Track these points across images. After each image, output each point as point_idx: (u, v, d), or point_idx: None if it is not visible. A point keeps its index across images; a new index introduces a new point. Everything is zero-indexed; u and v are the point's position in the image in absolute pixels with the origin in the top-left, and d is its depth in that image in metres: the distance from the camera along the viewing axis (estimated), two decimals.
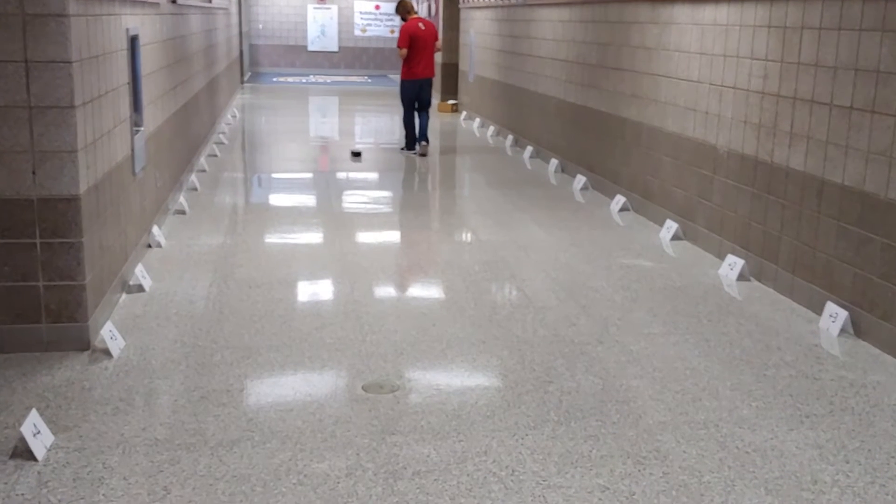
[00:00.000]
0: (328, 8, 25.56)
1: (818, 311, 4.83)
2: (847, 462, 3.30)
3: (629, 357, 4.25)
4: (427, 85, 10.95)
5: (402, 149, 11.14)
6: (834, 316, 4.65)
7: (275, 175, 9.75)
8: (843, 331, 4.59)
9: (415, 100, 10.88)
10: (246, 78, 21.57)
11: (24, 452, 3.17)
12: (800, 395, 3.87)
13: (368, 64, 25.72)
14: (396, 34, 24.30)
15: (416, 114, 10.95)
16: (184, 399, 3.69)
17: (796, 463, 3.28)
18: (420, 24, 10.81)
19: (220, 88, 13.07)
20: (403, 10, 10.92)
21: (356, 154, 10.64)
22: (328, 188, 8.82)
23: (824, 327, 4.69)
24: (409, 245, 6.78)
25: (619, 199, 7.63)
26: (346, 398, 3.75)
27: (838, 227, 4.74)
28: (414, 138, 10.97)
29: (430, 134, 12.39)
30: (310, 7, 25.52)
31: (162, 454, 3.22)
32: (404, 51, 10.70)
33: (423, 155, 10.81)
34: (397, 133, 12.89)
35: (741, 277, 5.53)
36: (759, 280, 5.48)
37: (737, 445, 3.40)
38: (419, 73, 10.84)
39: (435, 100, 17.01)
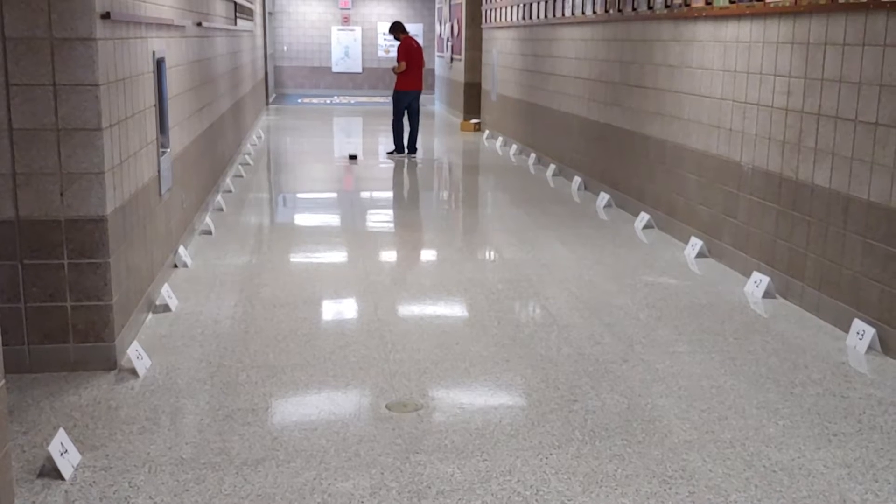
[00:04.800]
0: (352, 30, 25.76)
1: (845, 328, 4.79)
2: (876, 481, 3.25)
3: (654, 376, 4.23)
4: (418, 96, 12.44)
5: (390, 153, 12.29)
6: (861, 333, 4.61)
7: (299, 195, 9.81)
8: (870, 348, 4.55)
9: (406, 109, 12.27)
10: (271, 99, 21.76)
11: (51, 471, 3.20)
12: (827, 413, 3.83)
13: (392, 84, 25.84)
14: None
15: (405, 121, 12.32)
16: (209, 418, 3.71)
17: (824, 482, 3.24)
18: (413, 43, 12.33)
19: (246, 110, 13.19)
20: (398, 30, 12.40)
21: (352, 157, 11.96)
22: (352, 207, 8.86)
23: (851, 345, 4.64)
24: (432, 263, 6.79)
25: (643, 217, 7.60)
26: (369, 417, 3.75)
27: (864, 244, 4.70)
28: (402, 143, 12.26)
29: (453, 153, 12.76)
30: (334, 29, 25.74)
31: (187, 473, 3.24)
32: (404, 64, 12.12)
33: (413, 157, 12.18)
34: (421, 152, 12.95)
35: (767, 295, 5.49)
36: (786, 297, 5.44)
37: (764, 464, 3.37)
38: (414, 85, 12.31)
39: (456, 119, 17.09)
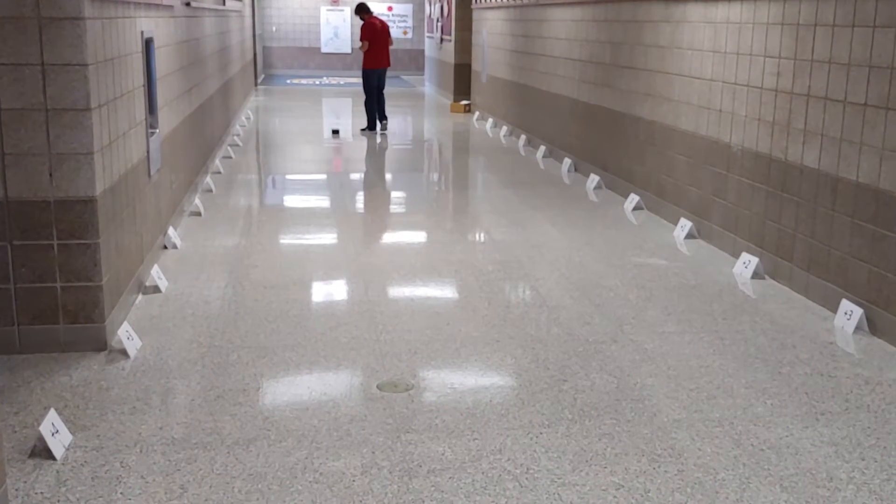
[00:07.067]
0: (341, 10, 25.62)
1: (833, 308, 4.82)
2: (863, 459, 3.29)
3: (643, 355, 4.25)
4: (384, 73, 12.90)
5: (363, 130, 12.65)
6: (849, 313, 4.64)
7: (289, 176, 9.78)
8: (858, 328, 4.58)
9: (376, 86, 12.65)
10: (260, 80, 21.65)
11: (42, 451, 3.20)
12: (815, 392, 3.86)
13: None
14: (410, 35, 24.60)
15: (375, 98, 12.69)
16: (200, 398, 3.71)
17: (811, 460, 3.28)
18: (377, 23, 12.80)
19: (235, 90, 13.13)
20: (363, 10, 12.91)
21: (335, 132, 12.66)
22: (342, 189, 8.84)
23: (839, 325, 4.67)
24: (422, 245, 6.79)
25: (633, 198, 7.62)
26: (361, 397, 3.76)
27: (853, 225, 4.73)
28: (374, 120, 12.69)
29: (443, 134, 12.76)
30: (323, 9, 25.60)
31: (179, 453, 3.25)
32: (366, 43, 12.63)
33: (384, 133, 12.59)
34: (410, 133, 12.93)
35: (756, 275, 5.52)
36: (774, 278, 5.47)
37: (752, 443, 3.39)
38: (379, 63, 12.79)
39: (447, 100, 17.05)
